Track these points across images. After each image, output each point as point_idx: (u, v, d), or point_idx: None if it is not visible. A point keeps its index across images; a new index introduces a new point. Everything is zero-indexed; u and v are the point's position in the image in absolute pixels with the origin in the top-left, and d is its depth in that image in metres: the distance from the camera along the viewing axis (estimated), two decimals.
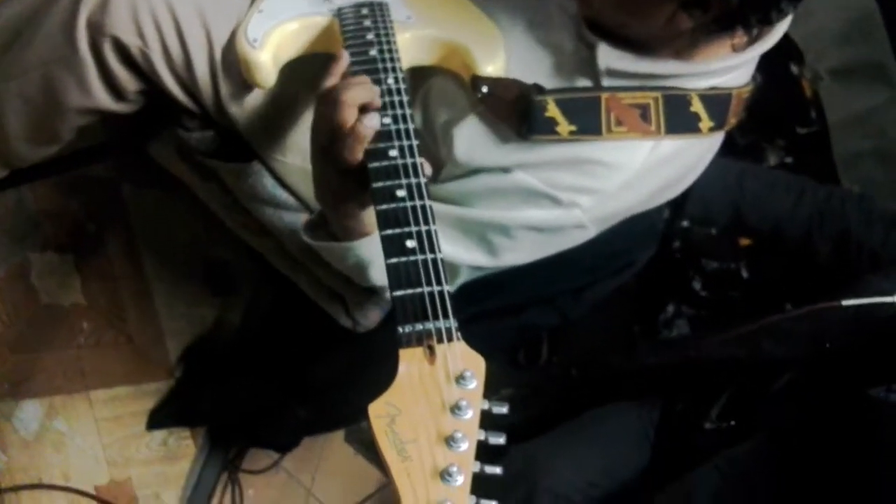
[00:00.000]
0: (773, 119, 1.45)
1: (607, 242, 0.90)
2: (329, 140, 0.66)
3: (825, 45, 1.41)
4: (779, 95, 1.42)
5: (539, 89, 0.77)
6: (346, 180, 0.67)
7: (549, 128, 0.77)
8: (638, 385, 1.28)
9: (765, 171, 1.38)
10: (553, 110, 0.77)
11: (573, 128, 0.77)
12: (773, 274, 1.41)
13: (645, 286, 1.44)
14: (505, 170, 0.80)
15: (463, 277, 0.88)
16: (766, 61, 0.84)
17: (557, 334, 1.57)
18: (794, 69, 1.43)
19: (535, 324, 1.19)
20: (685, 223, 1.37)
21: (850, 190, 1.38)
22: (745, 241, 1.46)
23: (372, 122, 0.64)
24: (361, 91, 0.66)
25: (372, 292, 1.09)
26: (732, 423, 1.14)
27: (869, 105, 1.41)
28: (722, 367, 1.17)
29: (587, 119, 0.77)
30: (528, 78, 0.79)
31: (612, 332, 1.52)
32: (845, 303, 1.02)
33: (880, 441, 0.94)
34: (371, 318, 1.11)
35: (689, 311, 1.45)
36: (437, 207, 0.82)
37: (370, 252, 0.77)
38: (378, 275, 0.81)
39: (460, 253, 0.84)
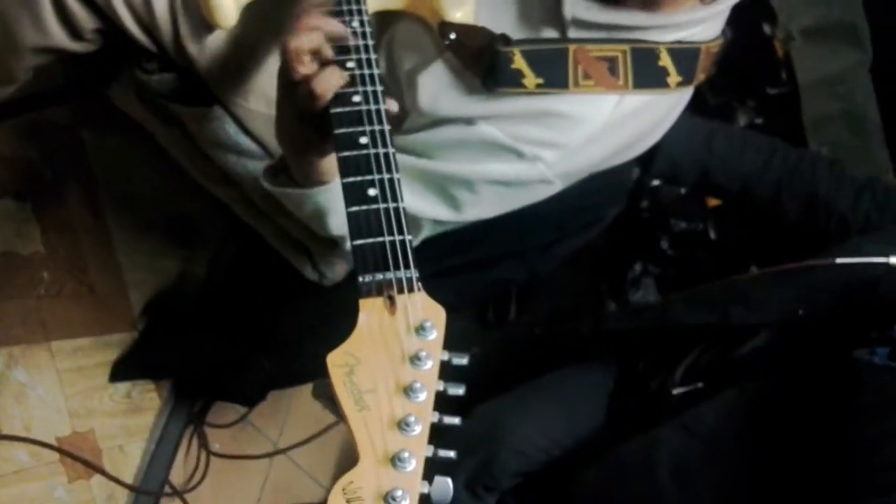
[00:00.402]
0: (744, 79, 1.44)
1: (576, 197, 0.90)
2: (292, 85, 0.64)
3: (798, 4, 1.41)
4: (750, 55, 1.41)
5: (506, 40, 0.76)
6: (307, 126, 0.65)
7: (515, 80, 0.76)
8: (603, 347, 1.29)
9: (735, 131, 1.38)
10: (520, 62, 0.75)
11: (540, 80, 0.76)
12: (741, 235, 1.42)
13: (613, 245, 1.45)
14: (469, 121, 0.79)
15: (426, 232, 0.87)
16: (739, 20, 0.83)
17: (526, 292, 1.58)
18: (767, 29, 1.42)
19: (504, 279, 1.19)
20: (654, 182, 1.37)
21: (821, 154, 1.38)
22: (713, 202, 1.47)
23: (331, 80, 0.62)
24: (308, 38, 0.63)
25: (337, 245, 1.08)
26: (700, 385, 1.15)
27: (839, 67, 1.41)
28: (691, 333, 1.18)
29: (554, 72, 0.76)
30: (495, 26, 0.78)
31: (579, 291, 1.53)
32: (839, 260, 1.02)
33: (860, 403, 0.94)
34: (337, 271, 1.11)
35: (655, 270, 1.46)
36: (401, 159, 0.80)
37: (329, 200, 0.76)
38: (337, 223, 0.80)
39: (423, 207, 0.83)
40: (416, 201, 0.82)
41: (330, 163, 0.72)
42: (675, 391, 1.15)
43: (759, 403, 1.05)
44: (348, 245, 0.85)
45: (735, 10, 0.81)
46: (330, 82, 0.61)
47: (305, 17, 0.64)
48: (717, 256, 1.42)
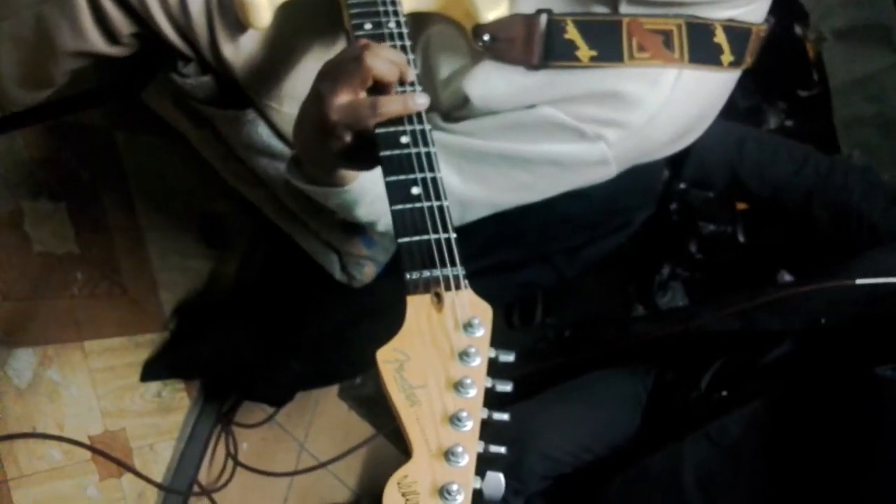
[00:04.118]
0: (774, 81, 1.43)
1: (606, 200, 0.89)
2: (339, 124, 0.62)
3: (830, 5, 1.40)
4: (782, 57, 1.41)
5: (548, 12, 0.75)
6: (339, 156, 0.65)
7: (568, 52, 0.75)
8: (632, 353, 1.28)
9: (768, 137, 1.37)
10: (573, 32, 0.74)
11: (594, 53, 0.74)
12: (770, 238, 1.41)
13: (641, 247, 1.44)
14: (529, 106, 0.77)
15: (473, 216, 0.85)
16: (770, 20, 0.83)
17: (552, 295, 1.57)
18: (799, 30, 1.41)
19: (532, 281, 1.18)
20: (683, 185, 1.36)
21: (853, 162, 1.37)
22: (742, 205, 1.46)
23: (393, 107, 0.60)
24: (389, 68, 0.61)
25: (367, 249, 1.08)
26: (724, 393, 1.14)
27: (871, 69, 1.40)
28: (717, 339, 1.17)
29: (608, 44, 0.74)
30: None
31: (607, 293, 1.53)
32: (860, 282, 1.00)
33: (883, 420, 0.93)
34: (366, 273, 1.11)
35: (684, 274, 1.45)
36: (455, 140, 0.79)
37: (355, 195, 0.75)
38: (365, 213, 0.80)
39: (476, 189, 0.81)
40: (468, 183, 0.80)
41: (349, 171, 0.71)
42: (695, 395, 1.14)
43: (782, 416, 1.04)
44: (379, 227, 0.84)
45: (768, 14, 0.81)
46: (391, 108, 0.60)
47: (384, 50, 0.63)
48: (745, 260, 1.41)
